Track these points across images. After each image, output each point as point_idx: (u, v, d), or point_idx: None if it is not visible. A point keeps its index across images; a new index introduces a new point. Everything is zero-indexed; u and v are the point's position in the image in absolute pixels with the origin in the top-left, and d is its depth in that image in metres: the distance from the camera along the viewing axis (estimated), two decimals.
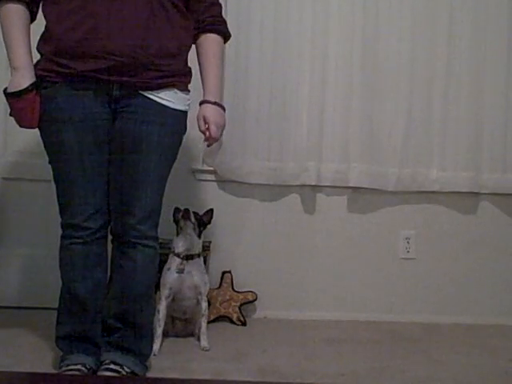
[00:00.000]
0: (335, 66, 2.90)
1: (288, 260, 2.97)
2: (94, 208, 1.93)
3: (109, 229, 2.01)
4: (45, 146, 1.95)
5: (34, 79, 1.85)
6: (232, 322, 2.77)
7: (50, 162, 1.96)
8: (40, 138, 1.94)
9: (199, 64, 2.05)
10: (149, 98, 1.89)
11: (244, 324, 2.77)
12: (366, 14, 2.87)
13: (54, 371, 2.03)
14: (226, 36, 2.10)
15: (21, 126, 1.91)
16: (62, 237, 1.98)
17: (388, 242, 3.00)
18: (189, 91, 2.01)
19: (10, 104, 1.86)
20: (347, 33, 2.88)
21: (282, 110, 2.90)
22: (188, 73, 2.01)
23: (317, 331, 2.73)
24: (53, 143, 1.91)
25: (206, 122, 1.99)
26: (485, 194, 3.00)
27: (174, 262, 2.42)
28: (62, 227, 1.97)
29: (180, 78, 1.96)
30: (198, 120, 2.01)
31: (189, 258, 2.42)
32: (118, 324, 2.01)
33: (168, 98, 1.92)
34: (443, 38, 2.91)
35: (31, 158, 2.83)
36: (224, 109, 2.04)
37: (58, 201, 1.96)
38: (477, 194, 2.99)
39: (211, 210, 2.54)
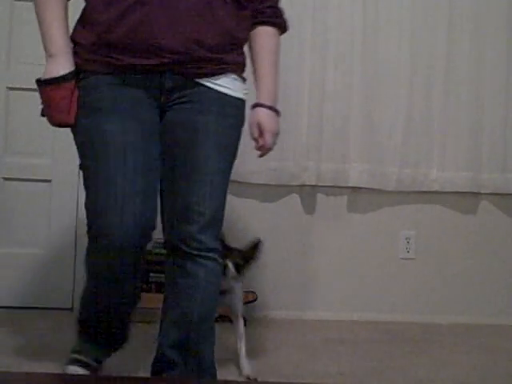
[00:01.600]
0: (335, 65, 2.89)
1: (288, 260, 2.97)
2: (134, 219, 1.59)
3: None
4: (79, 146, 1.66)
5: (73, 67, 1.60)
6: (232, 322, 2.76)
7: (81, 166, 1.68)
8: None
9: (252, 60, 1.79)
10: (205, 86, 1.64)
11: (244, 324, 2.76)
12: (366, 13, 2.87)
13: (54, 371, 2.03)
14: (283, 30, 1.87)
15: (54, 124, 1.65)
16: (91, 243, 1.67)
17: (388, 242, 3.00)
18: (245, 80, 1.76)
19: (43, 95, 1.60)
20: (347, 33, 2.88)
21: (282, 110, 2.88)
22: (244, 63, 1.76)
23: (317, 331, 2.73)
24: (91, 138, 1.60)
25: (259, 130, 1.74)
26: (485, 193, 3.00)
27: None
28: (90, 238, 1.66)
29: (238, 67, 1.71)
30: (250, 126, 1.76)
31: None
32: (178, 357, 1.69)
33: (227, 84, 1.67)
34: (443, 38, 2.92)
35: (31, 158, 2.83)
36: (279, 114, 1.80)
37: (89, 208, 1.63)
38: (477, 193, 2.99)
39: (258, 244, 2.07)
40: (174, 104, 1.63)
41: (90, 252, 1.70)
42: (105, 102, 1.59)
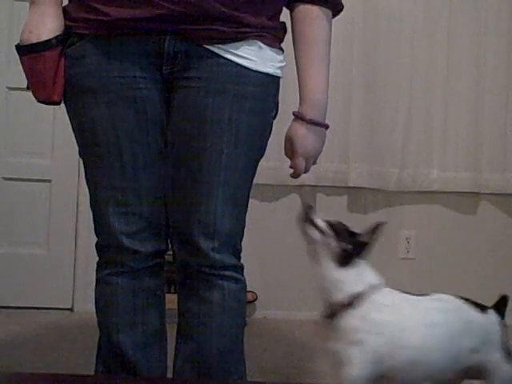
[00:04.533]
0: (335, 65, 2.88)
1: (288, 260, 2.97)
2: (140, 221, 1.30)
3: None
4: (73, 130, 1.34)
5: (61, 27, 1.25)
6: None
7: (80, 155, 1.37)
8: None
9: (295, 51, 1.42)
10: (219, 56, 1.24)
11: (244, 324, 2.76)
12: (366, 13, 2.87)
13: (54, 371, 2.03)
14: (337, 9, 1.47)
15: (38, 100, 1.32)
16: (98, 266, 1.36)
17: (388, 242, 3.00)
18: (281, 50, 1.38)
19: (23, 65, 1.29)
20: (347, 32, 2.88)
21: (282, 110, 2.89)
22: (280, 28, 1.36)
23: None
24: (80, 124, 1.30)
25: (292, 148, 1.39)
26: (485, 193, 3.00)
27: None
28: (96, 250, 1.36)
29: (267, 32, 1.30)
30: (285, 141, 1.40)
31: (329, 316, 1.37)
32: None
33: (247, 55, 1.26)
34: (443, 38, 2.91)
35: (31, 157, 2.83)
36: (327, 127, 1.42)
37: (92, 211, 1.35)
38: (477, 193, 2.99)
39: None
40: (180, 78, 1.26)
41: (96, 272, 1.38)
42: (90, 78, 1.25)
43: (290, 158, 1.40)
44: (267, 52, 1.31)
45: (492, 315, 1.51)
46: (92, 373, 1.41)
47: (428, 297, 1.39)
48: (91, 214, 1.35)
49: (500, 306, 1.52)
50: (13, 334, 2.44)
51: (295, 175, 1.43)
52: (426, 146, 2.95)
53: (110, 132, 1.26)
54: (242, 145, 1.29)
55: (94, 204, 1.33)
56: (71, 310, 2.85)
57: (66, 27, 1.26)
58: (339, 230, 1.39)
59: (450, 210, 3.02)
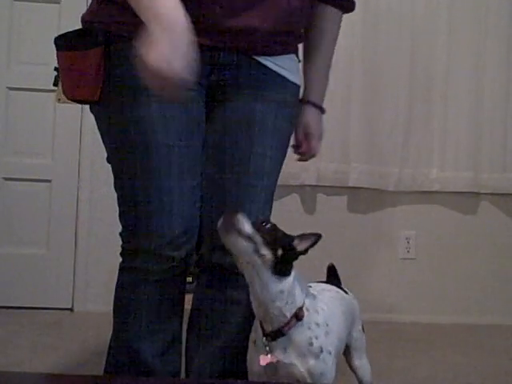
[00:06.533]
0: (335, 65, 2.88)
1: None
2: (182, 223, 1.28)
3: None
4: (107, 131, 1.31)
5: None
6: None
7: (109, 159, 1.33)
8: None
9: (307, 46, 1.49)
10: (265, 67, 1.32)
11: None
12: (365, 13, 2.87)
13: (54, 371, 2.03)
14: (348, 10, 1.55)
15: (72, 99, 1.28)
16: (124, 269, 1.33)
17: (388, 242, 3.00)
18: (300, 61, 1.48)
19: (63, 61, 1.27)
20: (347, 32, 2.87)
21: None
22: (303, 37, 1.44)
23: None
24: (124, 125, 1.26)
25: (305, 132, 1.48)
26: (485, 193, 3.00)
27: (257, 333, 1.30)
28: (124, 254, 1.34)
29: (299, 41, 1.42)
30: (298, 126, 1.48)
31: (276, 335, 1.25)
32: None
33: (287, 66, 1.36)
34: (443, 38, 2.91)
35: (31, 157, 2.83)
36: (324, 112, 1.54)
37: (124, 215, 1.31)
38: (477, 193, 2.99)
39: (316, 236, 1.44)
40: (227, 85, 1.31)
41: (120, 275, 1.35)
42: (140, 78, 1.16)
43: (300, 143, 1.50)
44: (297, 64, 1.41)
45: (351, 294, 1.66)
46: (91, 372, 1.42)
47: (319, 287, 1.54)
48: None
49: (334, 280, 1.69)
50: (13, 333, 2.44)
51: (307, 158, 1.55)
52: (425, 146, 2.95)
53: (160, 131, 1.25)
54: (280, 150, 1.40)
55: (132, 206, 1.28)
56: (71, 310, 2.85)
57: (106, 27, 1.24)
58: (268, 235, 1.25)
59: (450, 209, 3.02)
